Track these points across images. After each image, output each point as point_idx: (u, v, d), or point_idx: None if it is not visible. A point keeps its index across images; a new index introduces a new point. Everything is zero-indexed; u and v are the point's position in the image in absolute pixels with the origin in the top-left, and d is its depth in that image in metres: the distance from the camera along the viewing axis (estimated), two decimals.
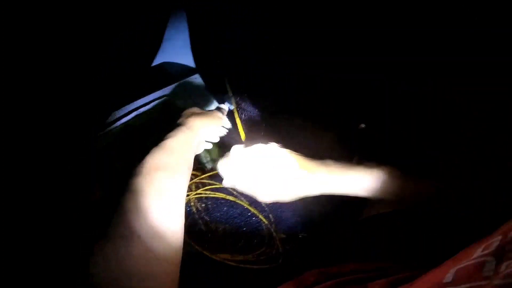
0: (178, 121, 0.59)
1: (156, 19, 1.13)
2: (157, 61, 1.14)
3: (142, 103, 0.96)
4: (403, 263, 0.45)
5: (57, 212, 0.64)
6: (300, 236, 0.76)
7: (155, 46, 1.14)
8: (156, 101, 0.98)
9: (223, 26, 1.02)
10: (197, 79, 1.09)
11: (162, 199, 0.42)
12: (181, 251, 0.42)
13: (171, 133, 0.53)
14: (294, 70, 0.86)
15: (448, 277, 0.23)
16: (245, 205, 0.79)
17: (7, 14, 0.62)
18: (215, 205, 0.77)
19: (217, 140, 0.70)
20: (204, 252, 0.64)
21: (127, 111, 0.93)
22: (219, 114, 0.71)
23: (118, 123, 0.89)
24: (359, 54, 0.72)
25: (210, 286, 0.60)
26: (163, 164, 0.45)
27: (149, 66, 1.13)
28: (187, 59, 1.16)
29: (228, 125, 0.76)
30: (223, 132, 0.72)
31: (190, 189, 0.83)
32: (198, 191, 0.80)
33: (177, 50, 1.16)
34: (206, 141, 0.67)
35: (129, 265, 0.35)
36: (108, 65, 0.98)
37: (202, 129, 0.60)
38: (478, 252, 0.24)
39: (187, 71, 1.11)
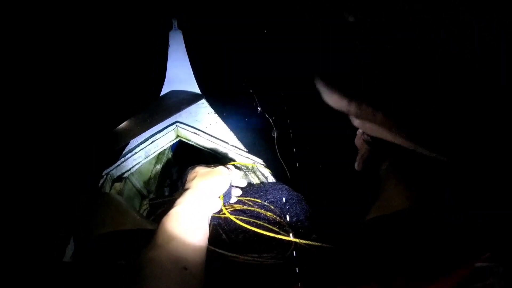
0: (186, 186, 0.59)
1: (158, 47, 1.23)
2: (165, 90, 1.24)
3: (156, 131, 1.04)
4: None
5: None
6: (311, 238, 0.81)
7: (161, 76, 1.24)
8: (169, 128, 1.05)
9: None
10: (203, 104, 1.17)
11: (178, 266, 0.43)
12: None
13: (180, 199, 0.53)
14: None
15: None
16: (261, 211, 0.86)
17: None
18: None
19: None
20: (228, 254, 0.70)
21: (144, 138, 1.01)
22: (224, 170, 0.66)
23: (138, 149, 0.97)
24: None
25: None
26: (176, 235, 0.46)
27: (158, 96, 1.23)
28: (192, 86, 1.25)
29: (239, 179, 0.78)
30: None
31: None
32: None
33: (181, 79, 1.26)
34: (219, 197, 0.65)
35: None
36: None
37: (210, 189, 0.59)
38: None
39: (193, 97, 1.20)
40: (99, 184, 0.87)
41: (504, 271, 0.23)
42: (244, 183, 0.77)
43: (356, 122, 0.52)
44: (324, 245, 0.79)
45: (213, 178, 0.61)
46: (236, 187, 0.77)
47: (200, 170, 0.63)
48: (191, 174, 0.62)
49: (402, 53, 0.35)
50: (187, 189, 0.57)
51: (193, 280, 0.44)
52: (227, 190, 0.66)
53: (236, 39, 1.30)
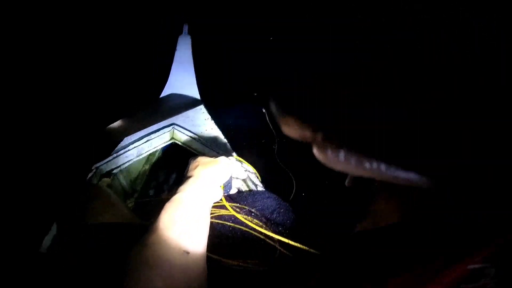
0: (188, 174, 0.60)
1: (164, 51, 1.24)
2: (165, 92, 1.24)
3: (151, 131, 1.04)
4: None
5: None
6: (295, 245, 0.81)
7: (164, 78, 1.25)
8: (165, 129, 1.05)
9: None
10: (201, 109, 1.18)
11: (180, 251, 0.42)
12: None
13: (182, 187, 0.54)
14: None
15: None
16: (242, 219, 0.85)
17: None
18: (220, 224, 0.82)
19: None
20: (213, 256, 0.69)
21: (138, 137, 1.00)
22: (225, 160, 0.68)
23: (131, 146, 0.96)
24: None
25: None
26: (178, 219, 0.46)
27: (158, 97, 1.23)
28: (193, 91, 1.26)
29: (239, 170, 0.79)
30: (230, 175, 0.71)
31: None
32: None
33: (183, 83, 1.27)
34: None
35: None
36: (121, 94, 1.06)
37: (212, 177, 0.60)
38: None
39: (192, 102, 1.21)
40: (87, 177, 0.85)
41: (496, 273, 0.23)
42: (244, 175, 0.80)
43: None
44: (311, 250, 0.79)
45: (215, 167, 0.62)
46: (237, 178, 0.80)
47: (202, 159, 0.64)
48: (193, 164, 0.63)
49: (402, 53, 0.34)
50: (189, 177, 0.58)
51: (194, 265, 0.43)
52: (228, 180, 0.68)
53: (237, 39, 1.32)
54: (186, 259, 0.42)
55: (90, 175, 0.86)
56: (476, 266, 0.25)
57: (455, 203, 0.54)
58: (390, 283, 0.39)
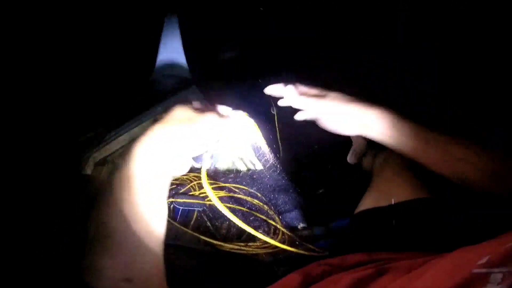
0: (159, 118, 0.41)
1: (151, 30, 1.18)
2: (155, 74, 1.19)
3: (144, 118, 1.00)
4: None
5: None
6: (299, 227, 0.80)
7: (152, 60, 1.20)
8: (156, 111, 1.01)
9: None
10: (194, 90, 1.13)
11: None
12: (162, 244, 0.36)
13: (142, 138, 0.39)
14: None
15: (483, 259, 0.23)
16: (247, 199, 0.83)
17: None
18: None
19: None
20: (213, 241, 0.67)
21: (130, 122, 0.97)
22: (218, 120, 0.43)
23: (122, 131, 0.93)
24: None
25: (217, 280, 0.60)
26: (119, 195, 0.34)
27: (147, 80, 1.18)
28: (183, 72, 1.21)
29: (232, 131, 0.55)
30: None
31: (193, 189, 0.87)
32: (202, 191, 0.84)
33: (173, 64, 1.21)
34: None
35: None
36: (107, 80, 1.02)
37: (180, 143, 0.39)
38: None
39: (184, 82, 1.16)
40: (81, 167, 0.83)
41: (502, 277, 0.21)
42: (263, 143, 0.58)
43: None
44: (314, 233, 0.78)
45: (191, 127, 0.40)
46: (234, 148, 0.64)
47: (184, 110, 0.42)
48: (170, 113, 0.41)
49: None
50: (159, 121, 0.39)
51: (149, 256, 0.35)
52: (216, 148, 0.46)
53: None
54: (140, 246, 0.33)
55: (83, 164, 0.83)
56: (482, 270, 0.23)
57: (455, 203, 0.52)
58: (391, 263, 0.38)
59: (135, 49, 1.11)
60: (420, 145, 0.48)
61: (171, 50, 1.22)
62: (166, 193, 0.38)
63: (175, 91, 1.11)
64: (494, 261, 0.22)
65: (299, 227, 0.80)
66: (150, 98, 1.05)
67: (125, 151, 0.38)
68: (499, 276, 0.21)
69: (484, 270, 0.22)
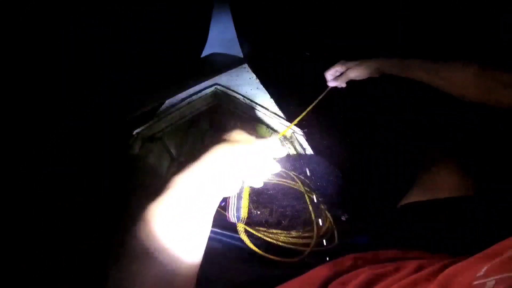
0: (204, 148, 0.37)
1: (201, 11, 1.14)
2: (206, 52, 1.16)
3: (193, 92, 0.97)
4: (437, 253, 0.43)
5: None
6: (342, 218, 0.73)
7: (203, 38, 1.16)
8: (207, 90, 0.98)
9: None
10: (245, 68, 1.08)
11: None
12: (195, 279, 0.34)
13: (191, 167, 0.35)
14: None
15: (481, 272, 0.24)
16: (291, 185, 0.77)
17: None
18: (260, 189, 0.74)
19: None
20: (248, 228, 0.62)
21: (180, 99, 0.94)
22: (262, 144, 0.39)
23: (173, 109, 0.91)
24: None
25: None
26: (167, 212, 0.32)
27: (199, 57, 1.15)
28: (235, 50, 1.15)
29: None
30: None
31: None
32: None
33: (224, 41, 1.17)
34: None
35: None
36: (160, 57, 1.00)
37: (232, 165, 0.36)
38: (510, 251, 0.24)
39: (235, 61, 1.11)
40: (130, 143, 0.82)
41: (494, 284, 0.22)
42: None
43: None
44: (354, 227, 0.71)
45: (244, 149, 0.37)
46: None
47: (235, 134, 0.39)
48: (220, 135, 0.39)
49: None
50: (204, 151, 0.35)
51: (185, 270, 0.33)
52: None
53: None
54: (176, 262, 0.32)
55: (132, 140, 0.83)
56: (480, 281, 0.23)
57: None
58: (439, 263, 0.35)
59: (187, 26, 1.08)
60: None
61: (223, 28, 1.17)
62: (213, 212, 0.36)
63: (226, 68, 1.07)
64: (490, 273, 0.24)
65: (342, 218, 0.72)
66: (200, 75, 1.02)
67: (185, 167, 0.34)
68: (492, 283, 0.22)
69: (482, 281, 0.23)
